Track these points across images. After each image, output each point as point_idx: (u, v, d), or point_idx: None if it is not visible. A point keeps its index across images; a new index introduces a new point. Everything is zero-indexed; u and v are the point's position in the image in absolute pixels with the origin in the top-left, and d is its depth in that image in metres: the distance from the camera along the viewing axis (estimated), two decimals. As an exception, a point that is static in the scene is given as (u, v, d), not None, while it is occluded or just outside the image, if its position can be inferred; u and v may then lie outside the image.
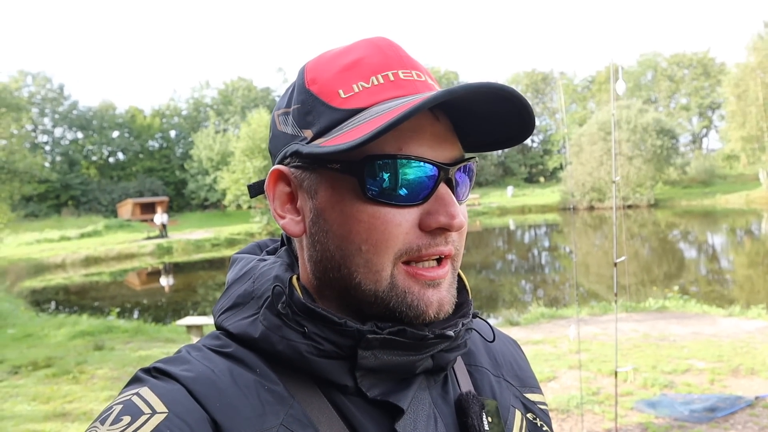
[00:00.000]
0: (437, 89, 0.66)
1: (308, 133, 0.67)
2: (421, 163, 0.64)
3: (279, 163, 0.71)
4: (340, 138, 0.63)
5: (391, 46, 0.70)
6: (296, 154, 0.68)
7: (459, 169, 0.69)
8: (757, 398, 5.13)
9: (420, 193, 0.65)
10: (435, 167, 0.65)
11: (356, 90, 0.66)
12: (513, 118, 0.67)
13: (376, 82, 0.66)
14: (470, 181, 0.73)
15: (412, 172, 0.64)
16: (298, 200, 0.70)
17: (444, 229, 0.65)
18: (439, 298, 0.67)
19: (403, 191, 0.64)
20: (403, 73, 0.67)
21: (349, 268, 0.66)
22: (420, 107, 0.57)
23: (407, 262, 0.65)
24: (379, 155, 0.63)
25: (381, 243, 0.64)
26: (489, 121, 0.69)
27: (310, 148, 0.65)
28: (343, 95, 0.66)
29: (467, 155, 0.71)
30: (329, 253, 0.67)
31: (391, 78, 0.67)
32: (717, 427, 4.64)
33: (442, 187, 0.65)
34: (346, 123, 0.65)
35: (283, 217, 0.71)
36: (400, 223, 0.64)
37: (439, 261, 0.67)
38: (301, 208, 0.70)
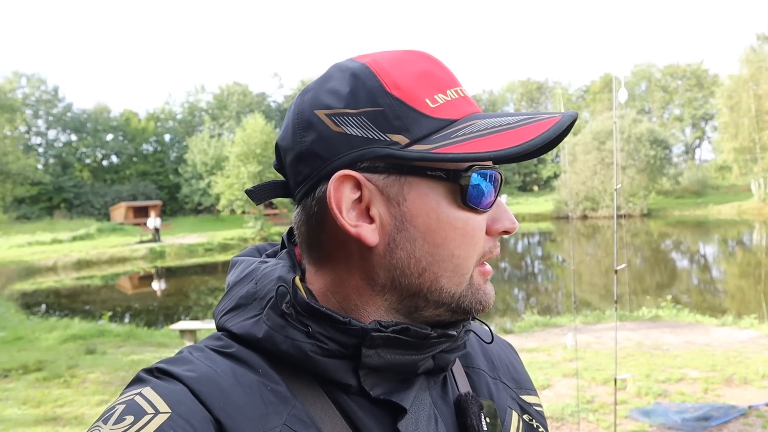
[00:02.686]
0: (565, 112, 0.71)
1: (400, 138, 0.65)
2: (498, 174, 0.70)
3: (345, 167, 0.67)
4: (463, 147, 0.63)
5: (443, 62, 0.73)
6: (387, 158, 0.65)
7: None
8: (750, 407, 5.15)
9: (493, 201, 0.70)
10: (500, 175, 0.71)
11: (440, 101, 0.67)
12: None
13: (453, 96, 0.69)
14: None
15: (493, 181, 0.69)
16: (371, 207, 0.67)
17: (504, 233, 0.72)
18: (491, 289, 0.73)
19: (488, 199, 0.69)
20: (463, 90, 0.72)
21: (436, 273, 0.67)
22: (559, 127, 0.65)
23: (479, 264, 0.71)
24: (480, 165, 0.67)
25: (471, 247, 0.68)
26: None
27: (422, 154, 0.64)
28: (431, 105, 0.67)
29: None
30: (414, 260, 0.67)
31: (461, 93, 0.70)
32: (710, 437, 4.64)
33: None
34: (447, 132, 0.65)
35: (356, 226, 0.67)
36: (483, 228, 0.69)
37: None
38: (376, 215, 0.67)
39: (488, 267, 0.72)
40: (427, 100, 0.66)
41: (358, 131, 0.66)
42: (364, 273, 0.68)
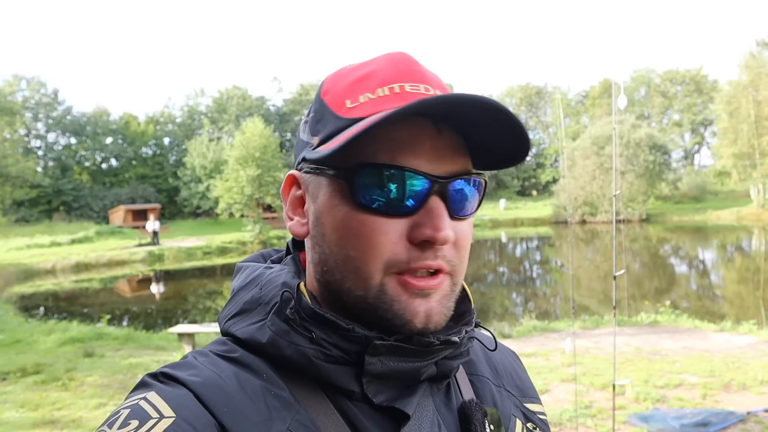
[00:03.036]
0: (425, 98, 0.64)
1: (315, 140, 0.70)
2: (412, 174, 0.64)
3: (295, 168, 0.75)
4: (330, 144, 0.65)
5: (406, 60, 0.71)
6: (304, 159, 0.71)
7: (464, 183, 0.68)
8: (748, 413, 5.15)
9: (408, 205, 0.65)
10: (427, 180, 0.65)
11: (362, 101, 0.67)
12: (506, 135, 0.66)
13: (381, 94, 0.67)
14: (479, 196, 0.72)
15: (401, 183, 0.64)
16: (305, 203, 0.72)
17: (426, 243, 0.64)
18: (427, 308, 0.66)
19: (390, 201, 0.64)
20: (410, 86, 0.68)
21: (342, 273, 0.67)
22: (389, 116, 0.59)
23: (400, 273, 0.65)
24: (367, 164, 0.64)
25: (368, 251, 0.65)
26: (490, 138, 0.68)
27: (311, 154, 0.68)
28: (348, 105, 0.68)
29: (475, 171, 0.71)
30: (326, 257, 0.69)
31: (397, 90, 0.67)
32: (709, 442, 4.64)
33: (434, 200, 0.65)
34: (345, 131, 0.66)
35: (291, 219, 0.74)
36: (387, 232, 0.64)
37: (434, 273, 0.66)
38: (306, 211, 0.72)
39: (415, 278, 0.65)
40: (347, 101, 0.68)
41: (305, 136, 0.73)
42: (311, 267, 0.73)
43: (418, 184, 0.64)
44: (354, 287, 0.66)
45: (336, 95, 0.70)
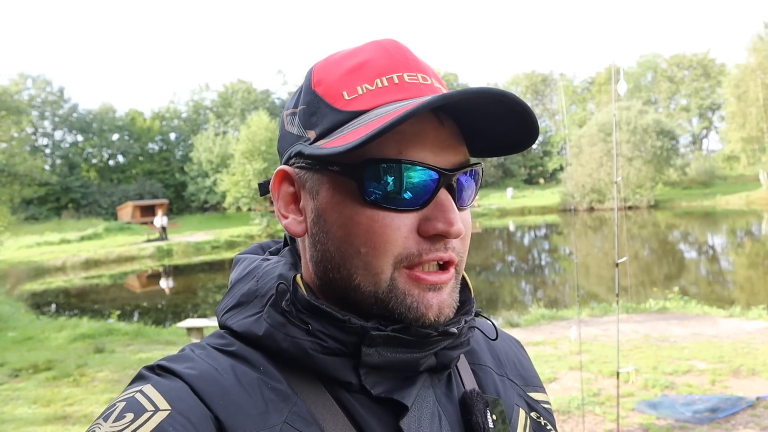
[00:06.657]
0: (443, 92, 0.65)
1: (312, 134, 0.68)
2: (421, 168, 0.64)
3: (285, 163, 0.72)
4: (340, 140, 0.63)
5: (399, 49, 0.70)
6: (299, 154, 0.68)
7: (465, 174, 0.69)
8: (758, 399, 5.13)
9: (419, 199, 0.64)
10: (435, 172, 0.64)
11: (360, 92, 0.66)
12: (516, 124, 0.67)
13: (380, 85, 0.66)
14: (476, 185, 0.72)
15: (411, 176, 0.64)
16: (301, 200, 0.70)
17: (438, 236, 0.65)
18: (440, 301, 0.66)
19: (401, 196, 0.64)
20: (408, 76, 0.67)
21: (349, 270, 0.66)
22: (414, 111, 0.57)
23: (409, 267, 0.65)
24: (378, 159, 0.63)
25: (379, 246, 0.64)
26: (495, 127, 0.68)
27: (312, 149, 0.65)
28: (346, 97, 0.66)
29: (473, 160, 0.71)
30: (329, 254, 0.67)
31: (396, 81, 0.67)
32: (718, 428, 4.63)
33: (443, 193, 0.65)
34: (348, 125, 0.65)
35: (285, 217, 0.71)
36: (399, 227, 0.64)
37: (443, 266, 0.67)
38: (303, 209, 0.70)
39: (425, 273, 0.65)
40: (344, 93, 0.66)
41: (295, 129, 0.71)
42: (311, 265, 0.71)
43: (428, 177, 0.64)
44: (363, 282, 0.66)
45: (330, 86, 0.68)
